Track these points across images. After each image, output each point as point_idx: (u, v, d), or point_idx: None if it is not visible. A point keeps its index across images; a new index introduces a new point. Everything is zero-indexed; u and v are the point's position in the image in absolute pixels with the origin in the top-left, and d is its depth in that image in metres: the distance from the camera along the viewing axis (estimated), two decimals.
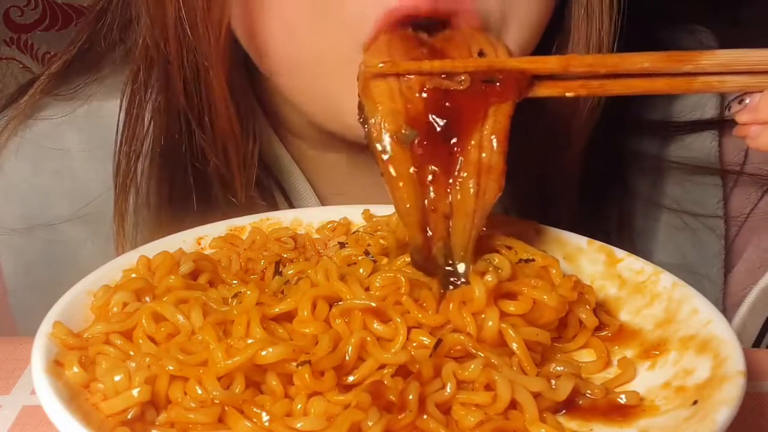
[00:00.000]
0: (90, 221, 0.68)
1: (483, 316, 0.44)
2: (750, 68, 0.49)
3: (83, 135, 0.69)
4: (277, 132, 0.69)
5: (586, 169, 0.66)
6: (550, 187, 0.66)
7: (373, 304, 0.43)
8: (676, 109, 0.73)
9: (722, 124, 0.72)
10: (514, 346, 0.43)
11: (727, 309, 0.74)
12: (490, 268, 0.45)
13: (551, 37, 0.63)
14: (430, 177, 0.47)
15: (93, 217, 0.67)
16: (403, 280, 0.45)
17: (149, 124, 0.64)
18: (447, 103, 0.48)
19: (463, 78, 0.48)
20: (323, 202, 0.70)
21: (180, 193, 0.64)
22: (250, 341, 0.41)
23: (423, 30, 0.52)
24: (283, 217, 0.58)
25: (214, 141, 0.61)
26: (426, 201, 0.47)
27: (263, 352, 0.40)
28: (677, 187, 0.73)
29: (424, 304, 0.45)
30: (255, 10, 0.57)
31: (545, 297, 0.45)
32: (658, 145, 0.72)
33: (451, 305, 0.44)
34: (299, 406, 0.39)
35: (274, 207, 0.67)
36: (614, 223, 0.71)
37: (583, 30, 0.61)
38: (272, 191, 0.69)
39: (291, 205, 0.69)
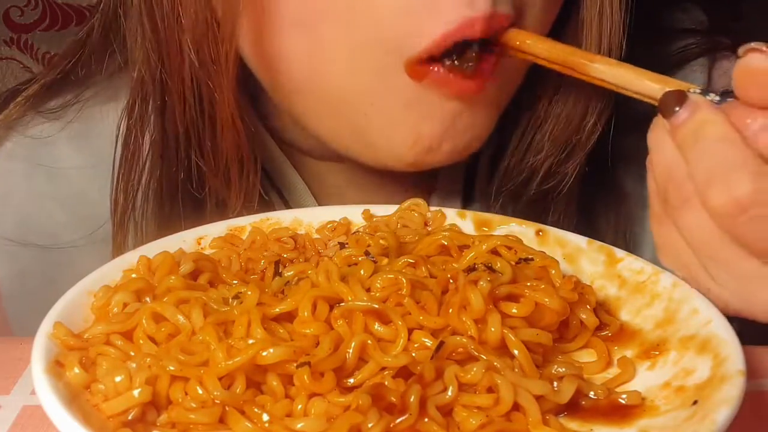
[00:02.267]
0: (85, 228, 0.67)
1: (485, 320, 0.43)
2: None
3: (77, 148, 0.68)
4: (277, 142, 0.69)
5: (581, 172, 0.66)
6: (548, 192, 0.66)
7: (376, 306, 0.43)
8: None
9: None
10: (516, 352, 0.43)
11: None
12: (488, 278, 0.45)
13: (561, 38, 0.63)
14: None
15: (88, 227, 0.67)
16: (404, 281, 0.45)
17: (147, 158, 0.63)
18: None
19: None
20: (320, 203, 0.70)
21: (174, 219, 0.63)
22: (251, 341, 0.41)
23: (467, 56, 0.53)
24: (283, 217, 0.58)
25: (215, 164, 0.60)
26: None
27: (264, 353, 0.40)
28: None
29: (425, 306, 0.45)
30: (274, 29, 0.55)
31: (547, 300, 0.45)
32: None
33: (450, 310, 0.44)
34: (299, 406, 0.39)
35: (271, 210, 0.67)
36: (610, 224, 0.71)
37: (595, 31, 0.61)
38: (270, 196, 0.69)
39: (288, 207, 0.69)
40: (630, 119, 0.71)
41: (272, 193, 0.69)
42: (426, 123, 0.55)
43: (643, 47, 0.71)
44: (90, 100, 0.67)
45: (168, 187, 0.63)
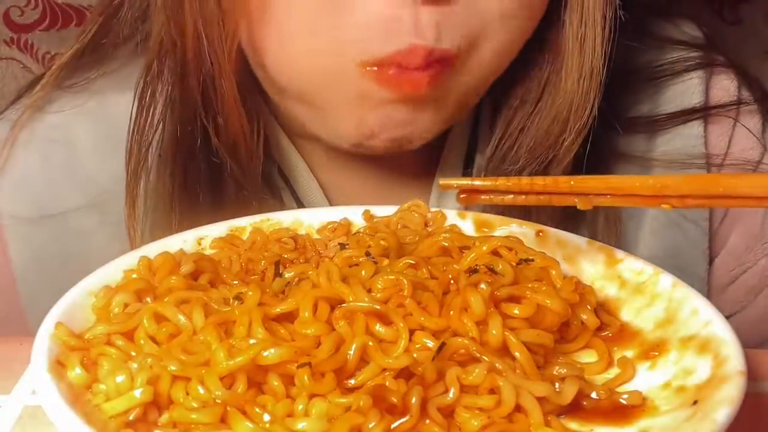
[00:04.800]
0: (99, 210, 0.68)
1: (486, 322, 0.44)
2: None
3: (92, 127, 0.69)
4: (282, 128, 0.71)
5: (572, 168, 0.66)
6: None
7: (377, 307, 0.43)
8: (662, 102, 0.73)
9: (708, 111, 0.72)
10: (517, 354, 0.43)
11: (711, 296, 0.74)
12: (489, 280, 0.45)
13: (542, 60, 0.65)
14: None
15: (102, 207, 0.68)
16: (406, 282, 0.45)
17: (161, 115, 0.65)
18: None
19: None
20: (324, 190, 0.72)
21: (192, 183, 0.66)
22: (252, 342, 0.41)
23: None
24: (284, 217, 0.58)
25: (226, 139, 0.63)
26: None
27: (265, 353, 0.40)
28: None
29: (427, 307, 0.45)
30: (255, 25, 0.58)
31: (549, 302, 0.45)
32: (644, 142, 0.72)
33: (451, 312, 0.44)
34: (300, 407, 0.39)
35: (278, 197, 0.70)
36: (600, 220, 0.71)
37: (576, 57, 0.62)
38: (277, 182, 0.70)
39: (294, 194, 0.71)
40: (629, 120, 0.72)
41: (275, 173, 0.71)
42: (369, 114, 0.60)
43: (635, 54, 0.72)
44: (109, 78, 0.69)
45: (184, 148, 0.65)
